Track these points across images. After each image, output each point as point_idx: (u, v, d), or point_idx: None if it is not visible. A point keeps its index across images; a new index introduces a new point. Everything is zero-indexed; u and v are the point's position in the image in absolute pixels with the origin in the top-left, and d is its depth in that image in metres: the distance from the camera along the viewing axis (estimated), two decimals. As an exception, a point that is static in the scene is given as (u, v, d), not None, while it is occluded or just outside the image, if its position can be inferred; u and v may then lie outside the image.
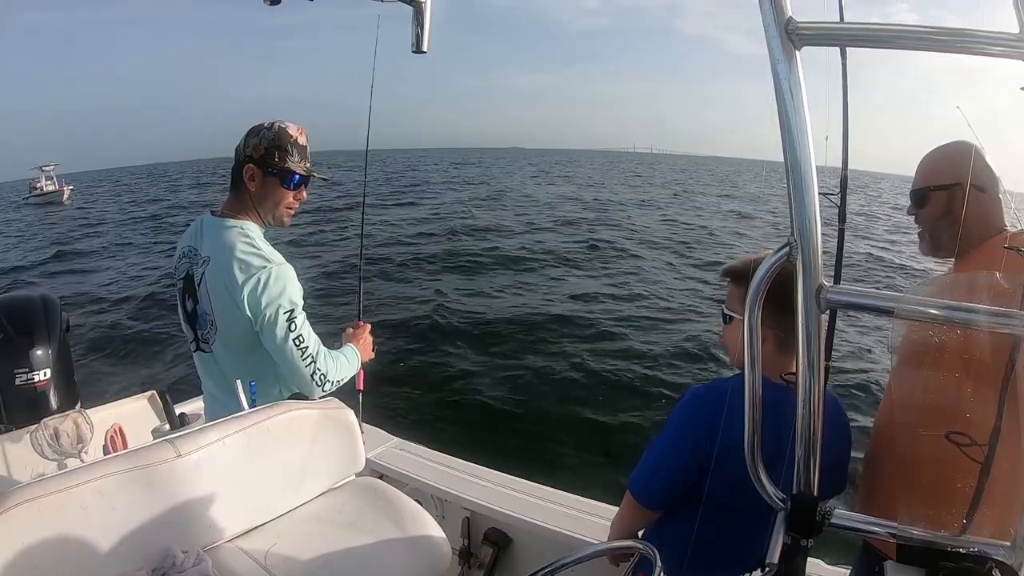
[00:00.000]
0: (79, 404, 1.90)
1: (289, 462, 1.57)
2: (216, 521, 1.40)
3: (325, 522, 1.53)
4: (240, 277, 1.61)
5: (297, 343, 1.65)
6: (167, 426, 2.02)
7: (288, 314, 1.64)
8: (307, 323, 1.69)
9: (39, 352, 1.82)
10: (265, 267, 1.63)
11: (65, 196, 41.43)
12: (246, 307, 1.61)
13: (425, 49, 1.95)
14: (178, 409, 2.12)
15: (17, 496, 1.13)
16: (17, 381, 1.77)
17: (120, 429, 1.92)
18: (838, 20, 0.84)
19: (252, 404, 1.63)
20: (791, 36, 0.73)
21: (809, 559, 0.90)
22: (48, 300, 1.96)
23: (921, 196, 1.42)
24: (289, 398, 1.80)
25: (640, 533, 1.48)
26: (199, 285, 1.70)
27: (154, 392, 2.24)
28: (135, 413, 2.13)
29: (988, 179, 1.36)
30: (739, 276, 1.32)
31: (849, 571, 1.60)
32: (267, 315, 1.62)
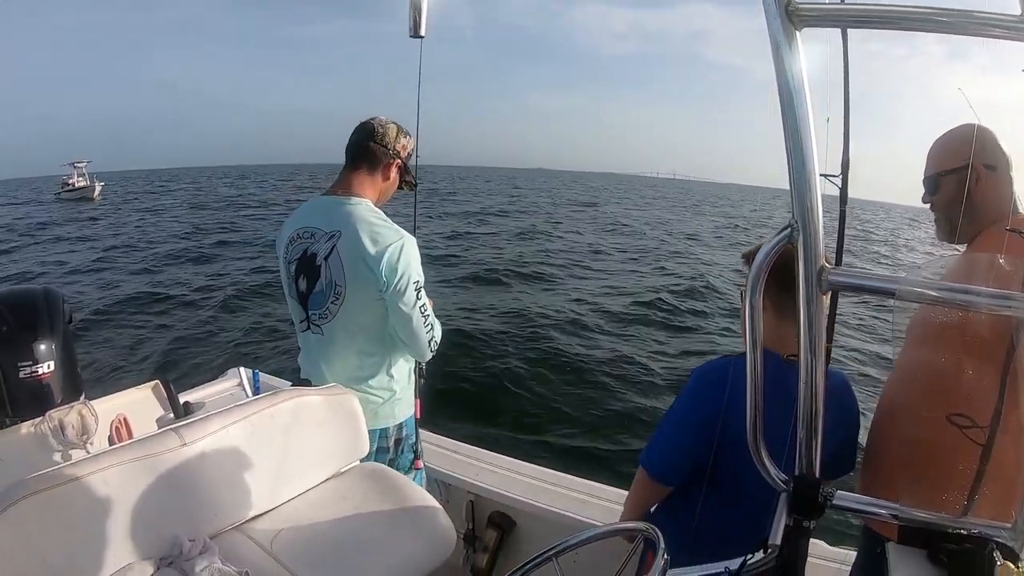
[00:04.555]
0: (83, 396, 1.90)
1: (294, 449, 1.58)
2: (222, 508, 1.41)
3: (330, 508, 1.54)
4: (380, 245, 1.72)
5: (422, 311, 1.80)
6: (171, 415, 2.03)
7: (416, 284, 1.78)
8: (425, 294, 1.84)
9: (42, 345, 1.82)
10: (401, 238, 1.75)
11: (96, 192, 41.84)
12: (382, 274, 1.71)
13: (423, 33, 1.95)
14: (182, 398, 2.12)
15: (25, 488, 1.14)
16: (21, 374, 1.77)
17: (125, 419, 1.93)
18: (839, 1, 0.83)
19: (256, 392, 1.64)
20: (791, 17, 0.72)
21: (812, 540, 0.91)
22: (50, 293, 1.96)
23: (933, 182, 1.40)
24: (295, 384, 1.81)
25: (652, 510, 1.49)
26: (327, 258, 1.77)
27: (157, 381, 2.24)
28: (139, 403, 2.13)
29: (998, 158, 1.32)
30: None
31: (855, 554, 1.60)
32: (401, 284, 1.74)
